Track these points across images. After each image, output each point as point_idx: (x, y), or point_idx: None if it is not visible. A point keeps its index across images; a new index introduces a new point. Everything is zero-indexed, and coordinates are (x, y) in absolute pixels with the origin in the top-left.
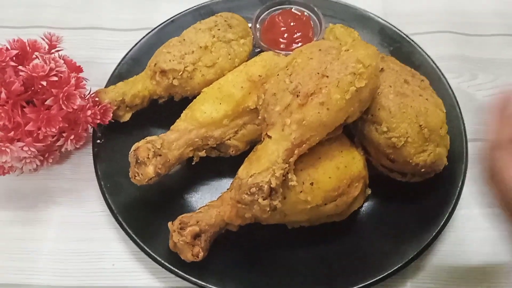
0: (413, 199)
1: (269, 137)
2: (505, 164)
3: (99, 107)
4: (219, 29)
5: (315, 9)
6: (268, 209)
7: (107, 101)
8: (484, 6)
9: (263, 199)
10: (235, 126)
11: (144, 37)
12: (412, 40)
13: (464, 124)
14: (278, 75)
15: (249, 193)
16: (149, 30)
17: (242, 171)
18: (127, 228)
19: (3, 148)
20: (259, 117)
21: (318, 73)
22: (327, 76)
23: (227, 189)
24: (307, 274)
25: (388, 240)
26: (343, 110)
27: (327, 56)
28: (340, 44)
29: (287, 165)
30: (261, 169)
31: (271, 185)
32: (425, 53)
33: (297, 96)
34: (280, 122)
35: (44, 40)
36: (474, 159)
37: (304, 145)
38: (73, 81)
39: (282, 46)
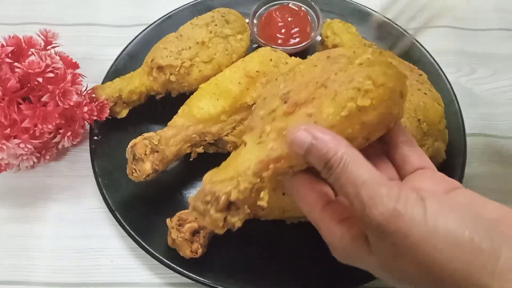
0: None
1: (244, 144)
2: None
3: (96, 103)
4: (216, 25)
5: (313, 4)
6: (221, 224)
7: (104, 97)
8: (482, 1)
9: (216, 211)
10: (232, 122)
11: (140, 33)
12: (410, 35)
13: (462, 118)
14: (276, 79)
15: (203, 200)
16: (146, 26)
17: (206, 176)
18: (125, 225)
19: None
20: (245, 124)
21: (317, 82)
22: (326, 87)
23: (209, 172)
24: (307, 270)
25: None
26: (335, 129)
27: (333, 65)
28: (355, 53)
29: (258, 180)
30: (224, 177)
31: (230, 198)
32: (424, 47)
33: (285, 102)
34: (260, 128)
35: (40, 36)
36: (473, 153)
37: (283, 161)
38: (69, 77)
39: (279, 41)
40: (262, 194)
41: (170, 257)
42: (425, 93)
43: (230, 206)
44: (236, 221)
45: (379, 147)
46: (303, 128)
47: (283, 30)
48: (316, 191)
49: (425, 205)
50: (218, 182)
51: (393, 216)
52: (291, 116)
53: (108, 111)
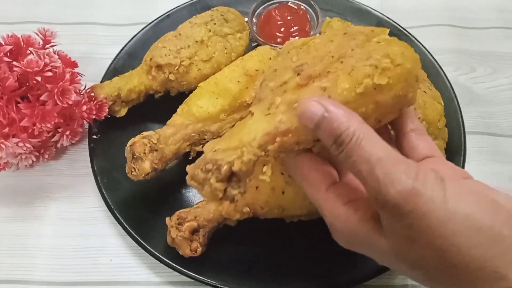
0: None
1: (252, 114)
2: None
3: (95, 102)
4: (215, 24)
5: (312, 2)
6: (220, 195)
7: (102, 96)
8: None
9: (217, 181)
10: (232, 120)
11: (139, 32)
12: (410, 34)
13: (462, 117)
14: (288, 52)
15: (204, 169)
16: (145, 25)
17: (208, 144)
18: (125, 223)
19: None
20: (253, 94)
21: (332, 57)
22: (342, 62)
23: (211, 141)
24: (306, 268)
25: None
26: (349, 105)
27: (350, 41)
28: (373, 32)
29: (263, 153)
30: (227, 146)
31: (233, 168)
32: (423, 46)
33: (298, 74)
34: (269, 99)
35: (38, 35)
36: (472, 151)
37: (290, 135)
38: (68, 76)
39: (279, 40)
40: (265, 168)
41: (170, 255)
42: (424, 92)
43: (231, 177)
44: (236, 194)
45: (387, 134)
46: (316, 100)
47: (282, 29)
48: (320, 171)
49: (445, 186)
50: (221, 151)
51: (411, 195)
52: (303, 89)
53: (107, 110)
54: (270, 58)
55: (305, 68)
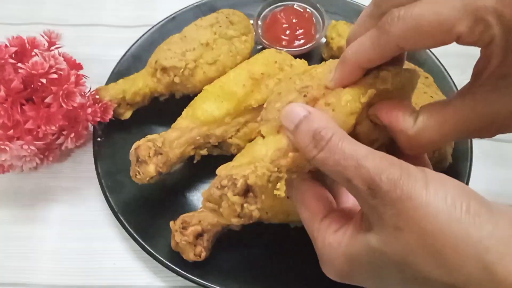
0: None
1: (261, 135)
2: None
3: (100, 104)
4: (220, 26)
5: (318, 5)
6: (238, 209)
7: (107, 98)
8: None
9: (233, 194)
10: (237, 124)
11: (144, 34)
12: None
13: None
14: (290, 78)
15: (219, 186)
16: (150, 27)
17: (220, 167)
18: (128, 227)
19: (2, 147)
20: (258, 119)
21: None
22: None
23: (224, 164)
24: (310, 274)
25: None
26: (353, 116)
27: None
28: None
29: (276, 168)
30: (240, 162)
31: (248, 181)
32: (429, 50)
33: (304, 96)
34: (277, 119)
35: (43, 37)
36: (479, 157)
37: (301, 151)
38: (73, 78)
39: (284, 43)
40: (279, 184)
41: (174, 260)
42: (431, 96)
43: (247, 193)
44: (254, 210)
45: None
46: (299, 104)
47: (287, 32)
48: (321, 200)
49: (425, 172)
50: (235, 167)
51: (399, 181)
52: None
53: (112, 112)
54: (276, 61)
55: (309, 90)
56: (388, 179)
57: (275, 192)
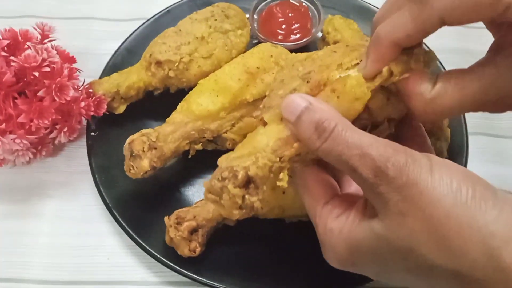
0: None
1: (264, 123)
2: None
3: (93, 98)
4: (215, 20)
5: None
6: (239, 201)
7: (101, 92)
8: None
9: (234, 186)
10: (232, 119)
11: (139, 27)
12: None
13: (464, 117)
14: (293, 65)
15: (220, 178)
16: (144, 21)
17: (221, 157)
18: (122, 222)
19: None
20: (261, 106)
21: (339, 64)
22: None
23: (224, 154)
24: (306, 269)
25: None
26: (359, 101)
27: (353, 52)
28: None
29: (277, 159)
30: (241, 153)
31: (249, 173)
32: (426, 45)
33: (307, 82)
34: (279, 106)
35: (36, 30)
36: (474, 153)
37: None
38: (66, 72)
39: (280, 37)
40: (281, 175)
41: (168, 255)
42: None
43: (248, 184)
44: (255, 201)
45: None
46: (299, 95)
47: (283, 26)
48: (323, 185)
49: (430, 158)
50: (236, 158)
51: (405, 167)
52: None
53: (106, 106)
54: (272, 56)
55: (312, 75)
56: (394, 166)
57: (278, 183)
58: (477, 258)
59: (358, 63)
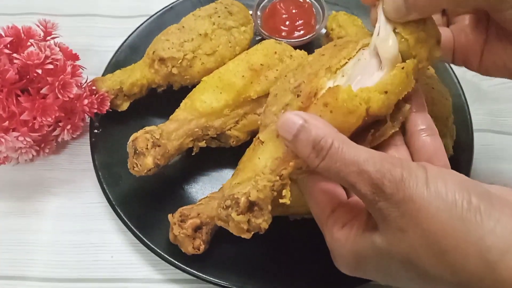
0: None
1: (261, 142)
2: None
3: (96, 96)
4: (219, 16)
5: None
6: (245, 227)
7: (104, 89)
8: None
9: (237, 214)
10: (235, 116)
11: (142, 24)
12: None
13: (470, 114)
14: (286, 76)
15: (224, 206)
16: (148, 17)
17: (226, 182)
18: (126, 220)
19: None
20: (258, 122)
21: (326, 68)
22: (335, 72)
23: (228, 180)
24: (309, 266)
25: None
26: (353, 115)
27: (341, 51)
28: (359, 38)
29: (277, 177)
30: (241, 178)
31: (250, 198)
32: None
33: (298, 96)
34: (274, 124)
35: (39, 27)
36: (479, 149)
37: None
38: (69, 69)
39: (283, 34)
40: (284, 192)
41: (172, 253)
42: (433, 87)
43: (252, 207)
44: (261, 222)
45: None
46: (295, 113)
47: (287, 22)
48: (328, 193)
49: (426, 170)
50: (237, 185)
51: (401, 182)
52: (307, 110)
53: (109, 103)
54: (275, 52)
55: (302, 87)
56: (390, 182)
57: (281, 200)
58: (475, 271)
59: (346, 63)
